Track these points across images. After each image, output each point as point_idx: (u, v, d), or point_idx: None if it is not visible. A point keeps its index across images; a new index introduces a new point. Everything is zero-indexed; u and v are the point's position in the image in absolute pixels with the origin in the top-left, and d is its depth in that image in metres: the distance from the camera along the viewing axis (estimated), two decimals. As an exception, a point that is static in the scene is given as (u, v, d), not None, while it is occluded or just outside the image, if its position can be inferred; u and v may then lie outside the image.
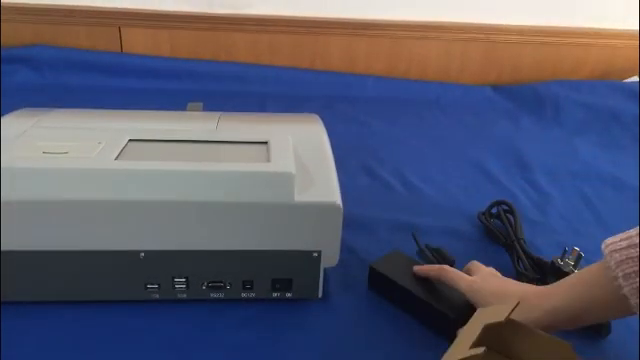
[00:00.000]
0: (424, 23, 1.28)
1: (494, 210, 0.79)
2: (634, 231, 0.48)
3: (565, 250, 0.65)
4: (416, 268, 0.64)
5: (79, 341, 0.57)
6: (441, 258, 0.68)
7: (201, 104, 0.82)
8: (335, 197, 0.59)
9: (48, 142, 0.61)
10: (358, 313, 0.64)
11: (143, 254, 0.58)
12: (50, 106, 0.77)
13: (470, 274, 0.61)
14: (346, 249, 0.61)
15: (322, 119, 0.77)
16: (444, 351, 0.55)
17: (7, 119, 0.72)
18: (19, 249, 0.57)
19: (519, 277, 0.67)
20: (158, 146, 0.64)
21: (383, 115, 1.16)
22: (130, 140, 0.63)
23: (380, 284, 0.65)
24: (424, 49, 1.30)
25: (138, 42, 1.21)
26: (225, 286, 0.61)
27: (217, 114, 0.76)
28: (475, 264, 0.63)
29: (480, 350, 0.41)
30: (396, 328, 0.62)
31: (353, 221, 0.63)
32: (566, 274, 0.63)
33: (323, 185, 0.60)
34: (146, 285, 0.60)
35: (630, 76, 1.34)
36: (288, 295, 0.62)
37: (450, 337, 0.59)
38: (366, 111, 1.17)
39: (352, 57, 1.28)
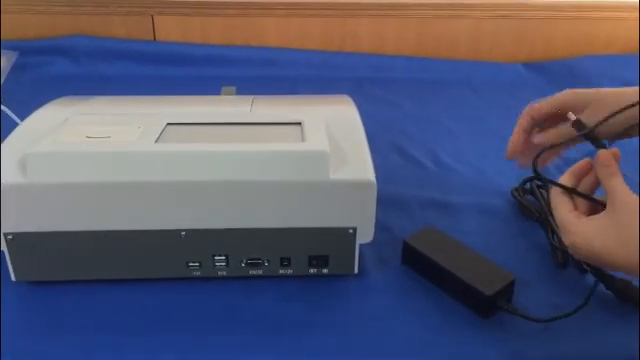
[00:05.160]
0: (453, 2, 1.27)
1: (527, 186, 0.80)
2: None
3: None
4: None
5: (124, 317, 0.60)
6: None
7: (234, 88, 0.84)
8: (369, 174, 0.60)
9: (91, 127, 0.63)
10: (393, 288, 0.65)
11: (184, 233, 0.60)
12: (89, 94, 0.80)
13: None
14: (379, 226, 0.62)
15: (353, 100, 0.78)
16: (479, 328, 0.55)
17: (49, 107, 0.75)
18: (63, 230, 0.59)
19: (554, 251, 0.68)
20: (195, 129, 0.66)
21: (413, 95, 1.15)
22: (168, 124, 0.65)
23: (414, 259, 0.66)
24: (453, 28, 1.29)
25: (170, 30, 1.23)
26: (263, 263, 0.63)
27: (250, 97, 0.77)
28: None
29: None
30: (431, 304, 0.63)
31: (386, 199, 0.64)
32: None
33: (357, 163, 0.61)
34: (187, 263, 0.62)
35: (665, 49, 1.31)
36: (324, 271, 0.64)
37: (485, 314, 0.60)
38: (396, 92, 1.16)
39: (381, 38, 1.28)
